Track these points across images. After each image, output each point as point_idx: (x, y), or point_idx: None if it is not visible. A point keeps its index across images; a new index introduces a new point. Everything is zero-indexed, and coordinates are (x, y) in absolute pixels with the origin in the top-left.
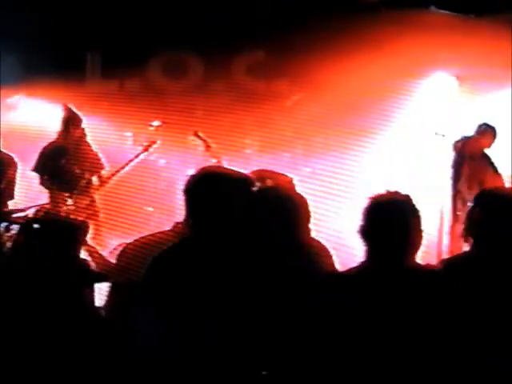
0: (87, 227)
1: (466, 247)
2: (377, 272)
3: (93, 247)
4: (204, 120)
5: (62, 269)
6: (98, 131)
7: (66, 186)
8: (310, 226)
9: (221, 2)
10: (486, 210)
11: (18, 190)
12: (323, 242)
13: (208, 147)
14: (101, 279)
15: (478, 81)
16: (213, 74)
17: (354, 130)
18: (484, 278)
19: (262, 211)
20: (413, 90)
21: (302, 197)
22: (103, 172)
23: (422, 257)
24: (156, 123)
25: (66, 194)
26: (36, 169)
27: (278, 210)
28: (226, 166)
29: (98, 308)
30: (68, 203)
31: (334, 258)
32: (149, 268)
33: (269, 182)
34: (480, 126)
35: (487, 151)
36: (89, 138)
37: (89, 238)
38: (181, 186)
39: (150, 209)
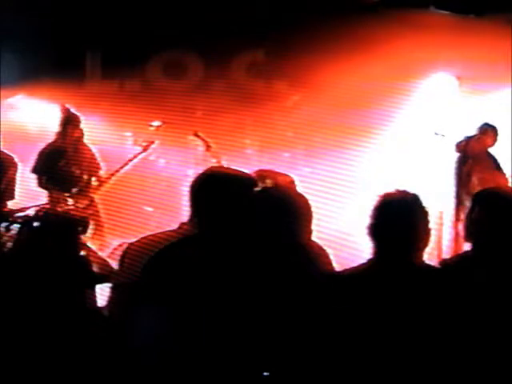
0: (87, 222)
1: (466, 247)
2: (385, 269)
3: (91, 249)
4: (204, 120)
5: (64, 268)
6: (97, 131)
7: (65, 186)
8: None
9: (221, 1)
10: (485, 210)
11: (17, 190)
12: (324, 242)
13: (208, 147)
14: (101, 280)
15: (478, 81)
16: (213, 74)
17: (354, 129)
18: (483, 277)
19: (263, 211)
20: (413, 90)
21: (303, 197)
22: (101, 172)
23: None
24: (156, 123)
25: (66, 195)
26: (35, 170)
27: (279, 210)
28: (225, 166)
29: (101, 308)
30: (67, 204)
31: (333, 258)
32: (149, 263)
33: (269, 182)
34: (481, 126)
35: (491, 150)
36: (88, 139)
37: (88, 238)
38: (181, 186)
39: (150, 209)
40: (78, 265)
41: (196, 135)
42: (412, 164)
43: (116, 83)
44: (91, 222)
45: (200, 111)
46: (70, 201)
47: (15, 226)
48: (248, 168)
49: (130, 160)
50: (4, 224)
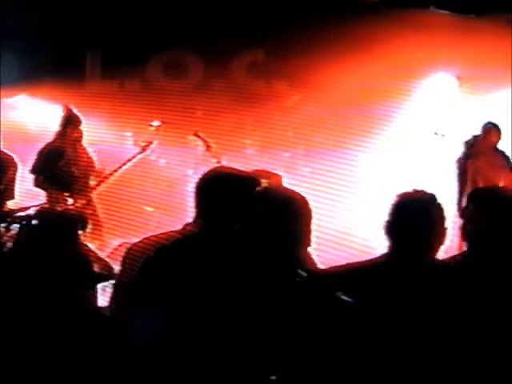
0: (86, 220)
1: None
2: (401, 266)
3: (90, 249)
4: (204, 120)
5: (64, 267)
6: (97, 131)
7: (63, 186)
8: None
9: (221, 2)
10: (479, 209)
11: (17, 190)
12: (324, 241)
13: (208, 147)
14: (101, 280)
15: (478, 81)
16: (213, 74)
17: (354, 129)
18: (478, 277)
19: (263, 211)
20: (413, 90)
21: (303, 197)
22: (100, 172)
23: None
24: (156, 123)
25: (65, 195)
26: (34, 170)
27: (279, 210)
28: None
29: (101, 308)
30: (66, 203)
31: (331, 258)
32: (150, 263)
33: (264, 182)
34: (485, 125)
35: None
36: (88, 139)
37: (87, 237)
38: (181, 185)
39: (150, 209)
40: (77, 264)
41: (196, 135)
42: (412, 164)
43: (116, 83)
44: (90, 222)
45: (200, 111)
46: (69, 200)
47: (15, 226)
48: (248, 168)
49: (129, 160)
50: (4, 224)
